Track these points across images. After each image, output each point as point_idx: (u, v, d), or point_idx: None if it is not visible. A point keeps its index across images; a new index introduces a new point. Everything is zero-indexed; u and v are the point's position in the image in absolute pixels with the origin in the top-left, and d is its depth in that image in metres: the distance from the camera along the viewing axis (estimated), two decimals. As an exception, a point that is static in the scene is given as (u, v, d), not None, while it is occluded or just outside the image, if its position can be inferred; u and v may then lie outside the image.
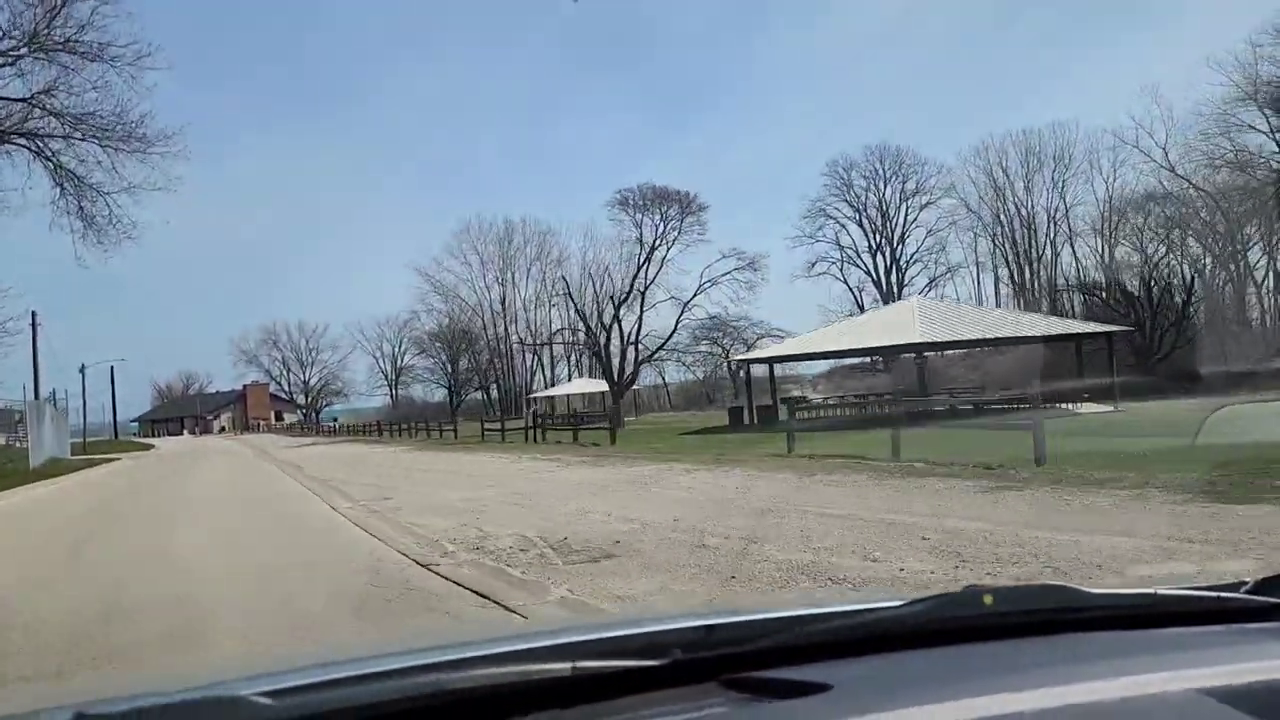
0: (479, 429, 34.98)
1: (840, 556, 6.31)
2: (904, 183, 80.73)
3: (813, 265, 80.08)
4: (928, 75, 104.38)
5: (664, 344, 52.11)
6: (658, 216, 50.28)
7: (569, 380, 72.85)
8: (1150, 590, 1.34)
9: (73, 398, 60.19)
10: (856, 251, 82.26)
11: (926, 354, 28.37)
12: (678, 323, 52.49)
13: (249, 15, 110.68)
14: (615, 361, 47.78)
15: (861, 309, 79.86)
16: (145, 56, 29.38)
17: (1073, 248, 70.55)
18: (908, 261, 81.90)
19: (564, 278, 57.43)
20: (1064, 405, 27.50)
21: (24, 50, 28.90)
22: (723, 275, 51.74)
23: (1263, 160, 51.77)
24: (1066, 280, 61.15)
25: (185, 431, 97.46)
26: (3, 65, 28.77)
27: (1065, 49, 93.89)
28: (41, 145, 30.78)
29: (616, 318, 47.52)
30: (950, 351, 39.69)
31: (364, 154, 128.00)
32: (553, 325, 79.55)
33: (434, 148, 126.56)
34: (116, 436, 78.43)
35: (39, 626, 5.74)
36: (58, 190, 30.58)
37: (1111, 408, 26.58)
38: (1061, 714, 0.93)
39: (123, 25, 41.90)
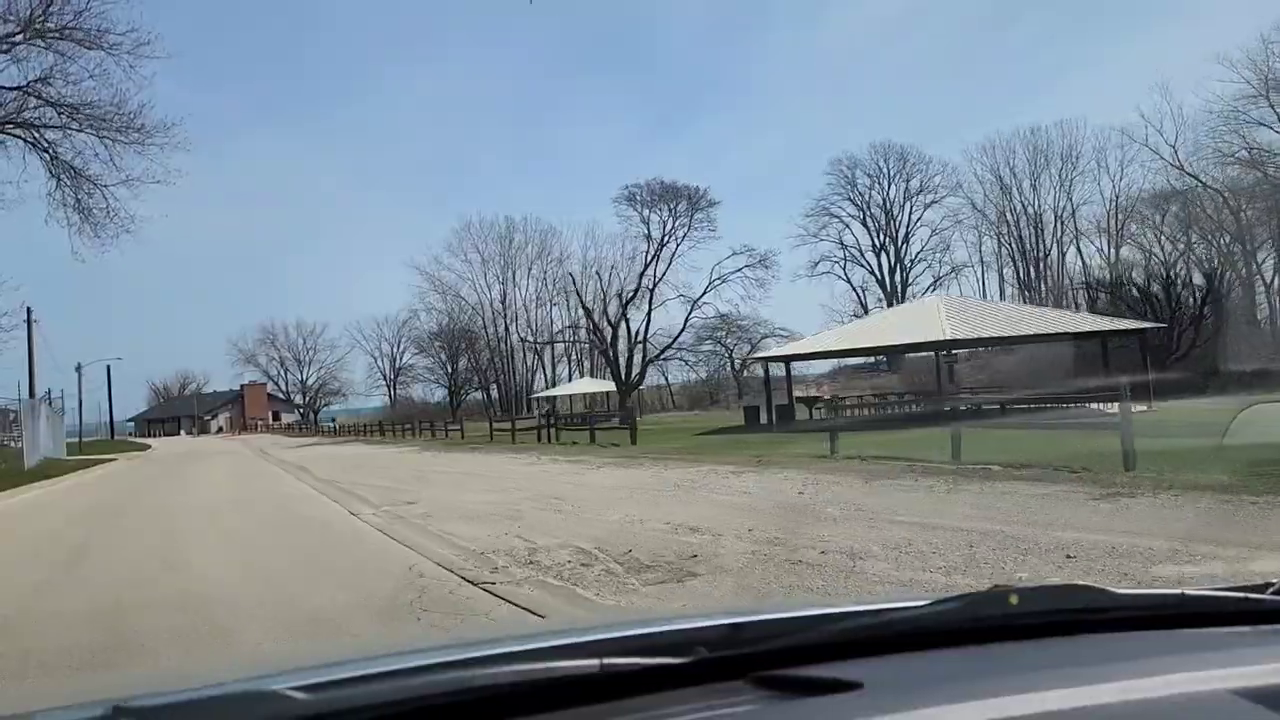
0: (485, 429, 34.08)
1: (970, 576, 5.40)
2: (908, 181, 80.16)
3: (816, 264, 79.42)
4: (931, 73, 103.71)
5: (673, 341, 51.20)
6: (666, 212, 49.35)
7: (569, 380, 71.94)
8: (1177, 590, 1.32)
9: (68, 397, 59.43)
10: (860, 250, 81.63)
11: (955, 352, 27.45)
12: (687, 320, 51.60)
13: (249, 15, 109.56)
14: (622, 360, 46.85)
15: (865, 308, 79.19)
16: (144, 45, 28.45)
17: (1078, 247, 69.91)
18: (912, 261, 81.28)
19: (570, 275, 56.48)
20: (1092, 405, 26.66)
21: (20, 37, 27.98)
22: (733, 273, 50.77)
23: (1274, 157, 51.07)
24: (1087, 279, 60.19)
25: (182, 432, 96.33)
26: (-1, 51, 27.82)
27: (1071, 47, 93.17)
28: (37, 136, 29.87)
29: (624, 315, 46.67)
30: (955, 350, 38.89)
31: (363, 153, 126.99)
32: (554, 324, 78.67)
33: (434, 147, 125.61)
34: (113, 436, 77.46)
35: (24, 660, 4.81)
36: (54, 182, 29.65)
37: (1145, 407, 25.65)
38: (1092, 713, 0.93)
39: (121, 12, 41.23)
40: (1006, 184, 73.91)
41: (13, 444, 35.14)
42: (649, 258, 48.52)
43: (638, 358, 48.34)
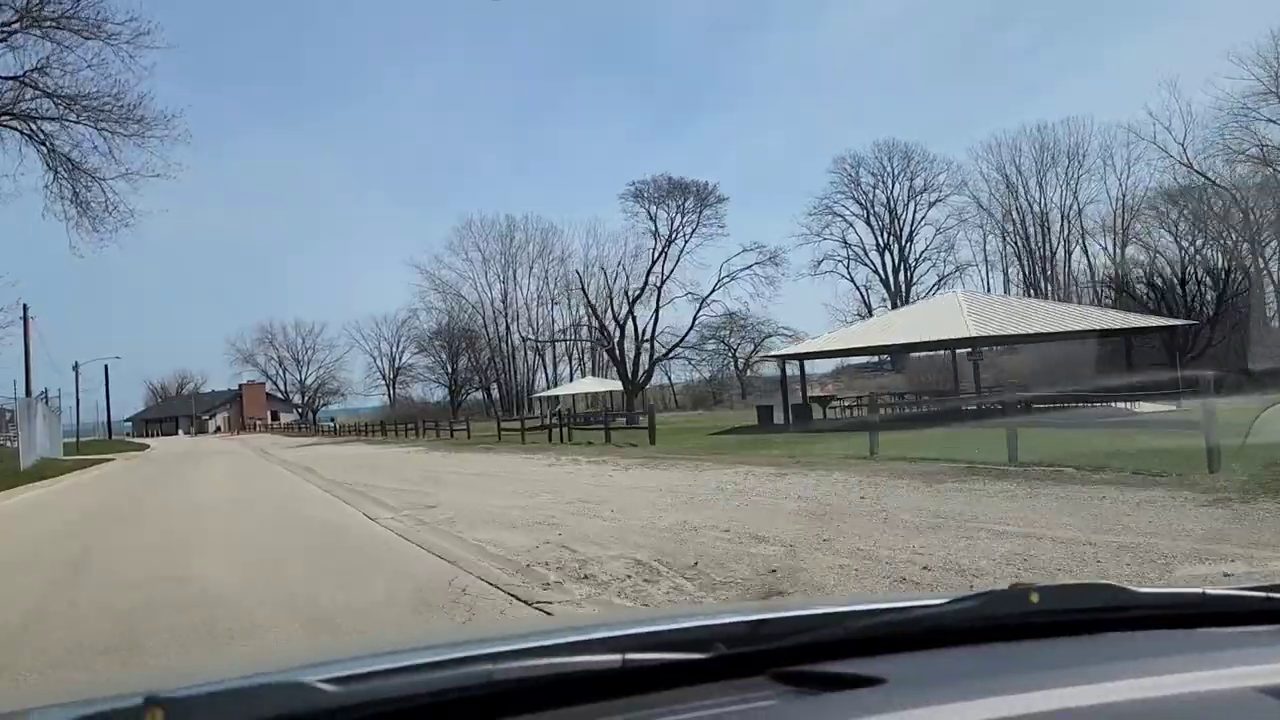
0: (490, 428, 33.28)
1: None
2: (912, 179, 79.45)
3: (819, 263, 78.68)
4: (932, 73, 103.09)
5: (682, 339, 50.35)
6: (674, 208, 48.50)
7: (570, 380, 71.12)
8: (1198, 589, 1.30)
9: (65, 396, 58.63)
10: (864, 249, 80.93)
11: (967, 350, 26.70)
12: (695, 318, 50.73)
13: (249, 15, 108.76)
14: (629, 359, 46.03)
15: (869, 307, 78.51)
16: (143, 35, 27.69)
17: (1084, 246, 69.26)
18: (916, 260, 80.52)
19: (578, 272, 55.52)
20: (1118, 404, 25.91)
21: (16, 25, 27.18)
22: (743, 270, 49.87)
23: (1285, 155, 50.47)
24: (1092, 276, 59.54)
25: (180, 431, 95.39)
26: (-6, 41, 27.00)
27: (1071, 47, 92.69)
28: (35, 128, 29.09)
29: (631, 313, 45.85)
30: (960, 350, 37.99)
31: (363, 153, 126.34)
32: (555, 323, 77.84)
33: (434, 147, 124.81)
34: (110, 436, 76.59)
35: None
36: (51, 175, 28.90)
37: (1173, 406, 24.87)
38: (1113, 711, 0.93)
39: (120, 1, 40.30)
40: (1013, 182, 73.30)
41: (8, 444, 34.37)
42: (656, 255, 47.69)
43: (644, 357, 47.45)
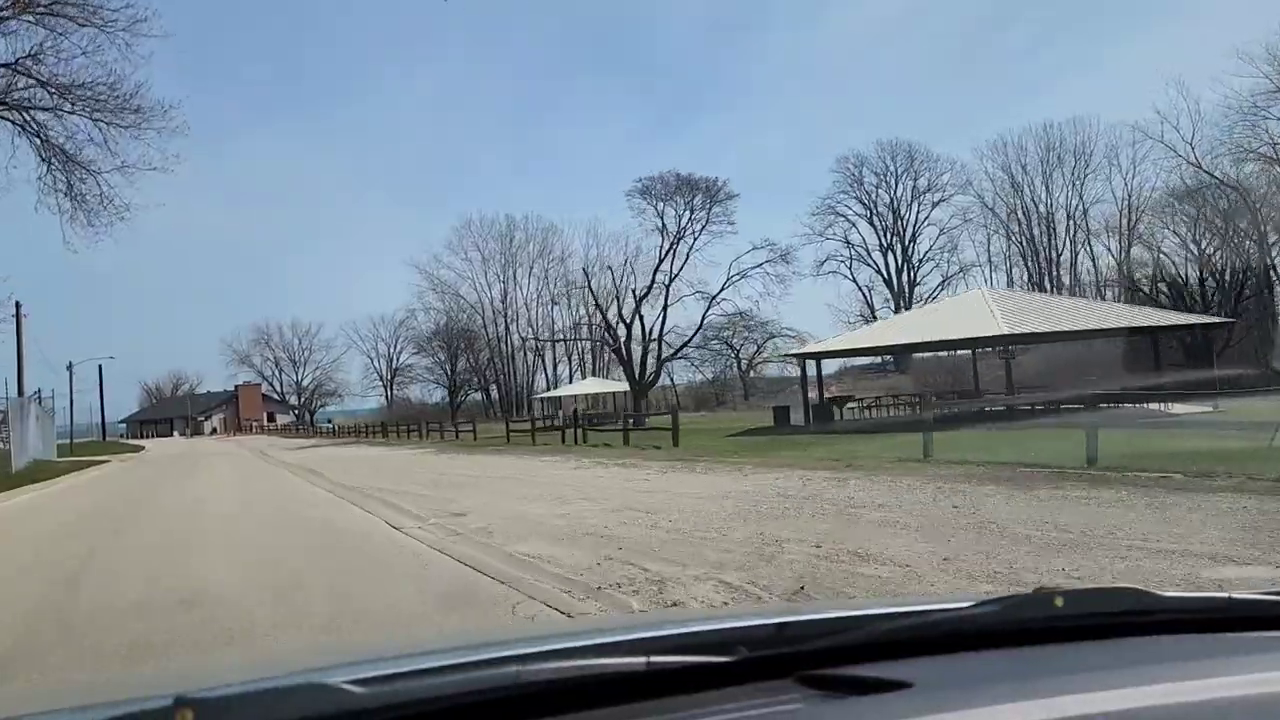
0: (494, 429, 32.30)
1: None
2: (915, 179, 78.67)
3: (822, 263, 77.79)
4: (933, 73, 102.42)
5: (691, 338, 49.38)
6: (682, 205, 47.52)
7: (570, 381, 70.13)
8: (1224, 594, 1.28)
9: (59, 397, 57.47)
10: (867, 249, 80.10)
11: (1013, 347, 25.80)
12: (704, 317, 49.72)
13: (249, 15, 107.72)
14: (635, 359, 45.06)
15: (871, 308, 77.71)
16: (140, 22, 26.61)
17: (1089, 246, 68.49)
18: (920, 260, 79.69)
19: (584, 270, 54.49)
20: (1151, 405, 25.04)
21: (8, 10, 26.17)
22: (753, 268, 48.81)
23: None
24: (1098, 277, 58.70)
25: (175, 433, 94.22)
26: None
27: (1072, 46, 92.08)
28: (28, 118, 28.06)
29: (638, 312, 44.91)
30: (963, 350, 37.03)
31: (363, 153, 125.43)
32: (555, 324, 76.84)
33: (434, 147, 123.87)
34: (104, 438, 75.36)
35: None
36: (44, 167, 27.84)
37: (1210, 407, 23.96)
38: (1139, 715, 0.92)
39: (116, -13, 39.23)
40: (1018, 181, 72.51)
41: (1, 445, 33.33)
42: (664, 253, 46.70)
43: (651, 357, 46.45)
